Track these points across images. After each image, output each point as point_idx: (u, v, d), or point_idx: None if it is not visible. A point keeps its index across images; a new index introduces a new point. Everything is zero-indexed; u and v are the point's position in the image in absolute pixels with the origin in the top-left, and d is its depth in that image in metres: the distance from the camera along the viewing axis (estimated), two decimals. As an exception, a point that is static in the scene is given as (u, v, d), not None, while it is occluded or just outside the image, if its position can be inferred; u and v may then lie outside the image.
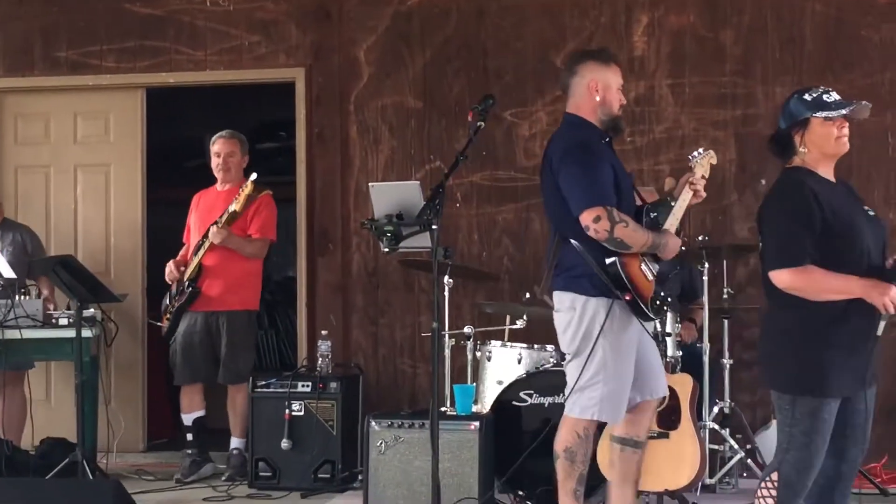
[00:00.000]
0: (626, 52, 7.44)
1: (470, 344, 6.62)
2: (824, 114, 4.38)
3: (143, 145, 8.22)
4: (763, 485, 5.03)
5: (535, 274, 7.55)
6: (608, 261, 4.81)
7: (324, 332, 7.17)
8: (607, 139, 5.07)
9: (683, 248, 5.40)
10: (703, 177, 5.04)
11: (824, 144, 4.42)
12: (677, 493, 5.85)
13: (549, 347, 6.53)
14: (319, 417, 6.79)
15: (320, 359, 7.01)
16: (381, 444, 6.17)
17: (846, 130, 4.42)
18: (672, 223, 5.01)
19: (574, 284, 4.94)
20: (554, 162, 4.97)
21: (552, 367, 6.35)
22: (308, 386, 6.83)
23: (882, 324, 4.29)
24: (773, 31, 7.38)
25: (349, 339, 7.77)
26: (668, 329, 6.06)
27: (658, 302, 4.90)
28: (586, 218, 4.79)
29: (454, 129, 7.62)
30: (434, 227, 4.82)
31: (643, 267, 4.90)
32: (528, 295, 6.88)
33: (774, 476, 4.50)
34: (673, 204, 5.04)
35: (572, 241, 4.89)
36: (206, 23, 7.99)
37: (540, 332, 6.87)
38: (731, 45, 7.43)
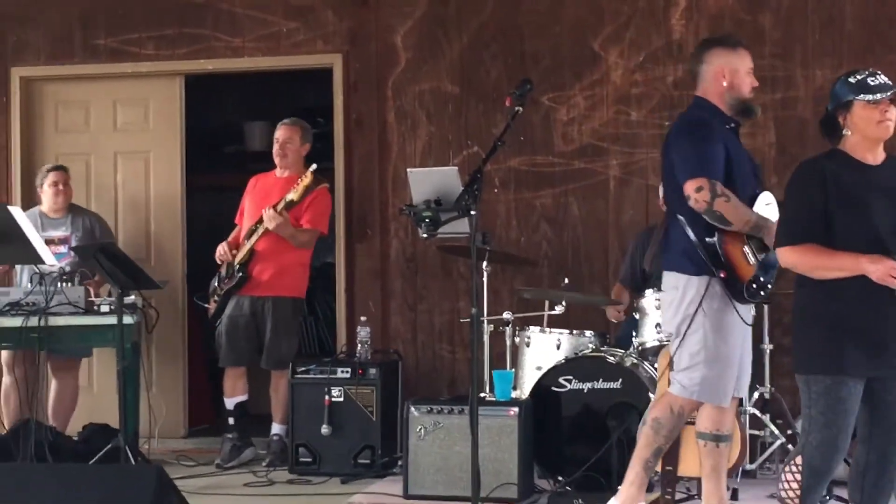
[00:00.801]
0: (664, 35, 7.41)
1: (509, 330, 6.62)
2: (866, 97, 4.39)
3: (182, 132, 8.25)
4: (786, 469, 5.00)
5: (573, 259, 7.56)
6: (709, 239, 4.85)
7: (363, 319, 7.19)
8: (732, 125, 5.11)
9: None
10: None
11: (866, 127, 4.43)
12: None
13: (588, 333, 6.54)
14: (359, 403, 6.81)
15: (359, 345, 7.02)
16: (421, 429, 6.19)
17: (891, 115, 4.41)
18: None
19: (676, 262, 5.00)
20: (671, 139, 5.06)
21: (591, 352, 6.35)
22: (347, 372, 6.85)
23: None
24: (813, 12, 7.31)
25: (388, 325, 7.78)
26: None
27: (755, 286, 4.90)
28: (689, 188, 4.85)
29: (492, 114, 7.60)
30: (472, 212, 4.81)
31: (745, 249, 4.92)
32: (566, 280, 6.87)
33: (798, 460, 4.48)
34: None
35: (679, 216, 4.94)
36: (243, 10, 8.00)
37: (578, 318, 6.89)
38: (770, 28, 7.35)
